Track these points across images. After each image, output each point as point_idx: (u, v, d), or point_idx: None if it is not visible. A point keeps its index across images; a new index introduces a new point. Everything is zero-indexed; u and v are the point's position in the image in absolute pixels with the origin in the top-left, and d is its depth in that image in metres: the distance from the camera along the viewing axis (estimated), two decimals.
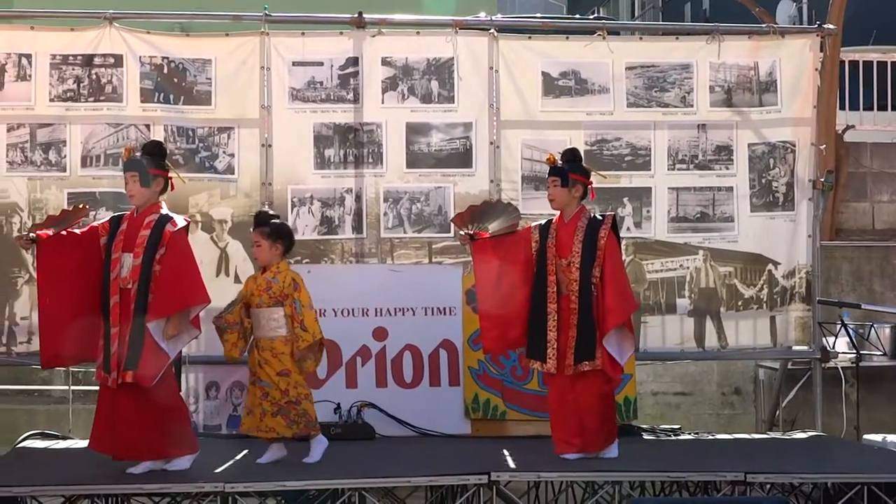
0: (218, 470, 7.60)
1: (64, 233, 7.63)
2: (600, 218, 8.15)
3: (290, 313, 7.82)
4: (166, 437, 7.54)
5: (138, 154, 7.74)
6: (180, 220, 7.64)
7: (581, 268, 8.00)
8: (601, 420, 8.04)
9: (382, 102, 9.62)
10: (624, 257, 8.83)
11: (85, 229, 7.72)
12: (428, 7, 14.97)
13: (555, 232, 8.15)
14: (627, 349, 8.12)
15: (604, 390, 8.05)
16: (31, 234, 7.61)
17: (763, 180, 9.81)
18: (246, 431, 7.98)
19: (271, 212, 8.38)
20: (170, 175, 7.77)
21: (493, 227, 8.24)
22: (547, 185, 8.26)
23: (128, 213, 7.73)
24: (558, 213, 8.21)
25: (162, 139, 9.15)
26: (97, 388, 10.62)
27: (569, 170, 8.14)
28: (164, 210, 7.68)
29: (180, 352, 7.74)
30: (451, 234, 9.40)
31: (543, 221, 8.30)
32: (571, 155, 8.26)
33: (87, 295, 7.58)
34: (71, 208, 7.95)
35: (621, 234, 8.69)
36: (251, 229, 8.07)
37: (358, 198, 9.53)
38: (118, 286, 7.50)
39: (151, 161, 7.68)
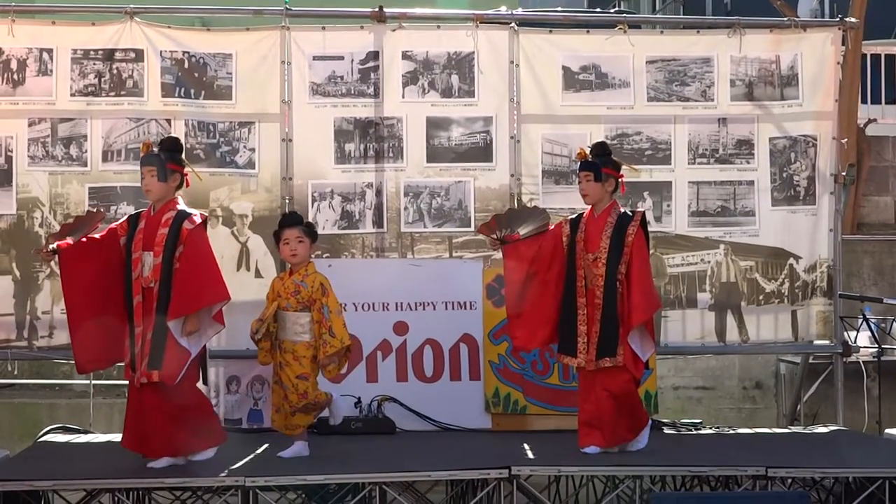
0: (239, 464, 7.61)
1: (84, 240, 7.65)
2: (630, 214, 8.12)
3: (317, 318, 7.79)
4: (192, 433, 7.56)
5: (156, 149, 7.76)
6: (197, 216, 7.66)
7: (607, 263, 7.97)
8: (625, 414, 8.01)
9: (403, 97, 9.61)
10: None
11: (104, 232, 7.73)
12: (448, 1, 14.92)
13: (584, 226, 8.12)
14: (648, 348, 8.11)
15: (628, 387, 8.02)
16: (52, 246, 7.63)
17: (784, 174, 9.78)
18: (277, 428, 7.99)
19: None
20: (185, 171, 7.79)
21: (524, 231, 8.22)
22: (578, 181, 8.24)
23: (145, 210, 7.76)
24: (589, 207, 8.19)
25: (183, 134, 9.20)
26: (118, 382, 10.67)
27: (601, 164, 8.09)
28: (181, 206, 7.69)
29: (205, 347, 7.74)
30: (472, 229, 9.40)
31: (575, 215, 8.29)
32: (602, 149, 8.19)
33: (113, 297, 7.61)
34: (85, 214, 7.94)
35: None
36: (280, 228, 7.97)
37: (378, 192, 9.53)
38: (140, 285, 7.54)
39: (168, 156, 7.70)
